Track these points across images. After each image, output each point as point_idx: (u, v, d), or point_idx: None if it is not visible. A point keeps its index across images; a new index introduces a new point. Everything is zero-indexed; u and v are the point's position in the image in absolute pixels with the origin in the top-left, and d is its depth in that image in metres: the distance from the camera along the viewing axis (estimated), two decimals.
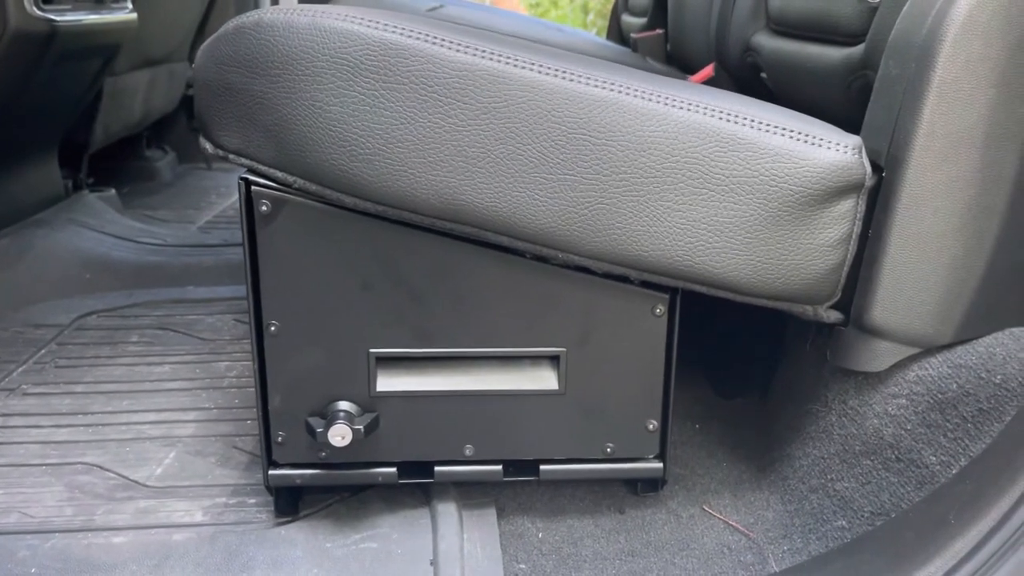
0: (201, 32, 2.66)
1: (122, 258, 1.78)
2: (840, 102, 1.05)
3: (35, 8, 1.52)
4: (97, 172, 2.31)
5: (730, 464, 1.08)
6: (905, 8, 0.84)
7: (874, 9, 0.94)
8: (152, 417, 1.22)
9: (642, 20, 2.36)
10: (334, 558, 0.92)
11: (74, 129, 2.03)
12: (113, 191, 2.14)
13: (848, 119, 0.97)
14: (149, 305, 1.65)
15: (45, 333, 1.51)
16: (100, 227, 1.87)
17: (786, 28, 1.23)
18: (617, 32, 2.81)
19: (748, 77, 1.40)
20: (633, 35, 2.14)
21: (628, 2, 2.66)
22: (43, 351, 1.44)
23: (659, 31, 2.07)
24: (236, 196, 2.54)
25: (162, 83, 2.44)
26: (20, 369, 1.37)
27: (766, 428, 1.09)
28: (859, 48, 0.97)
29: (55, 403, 1.26)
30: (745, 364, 1.23)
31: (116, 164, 2.55)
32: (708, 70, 1.51)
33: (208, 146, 0.89)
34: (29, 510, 1.01)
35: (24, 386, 1.32)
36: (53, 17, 1.57)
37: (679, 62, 1.96)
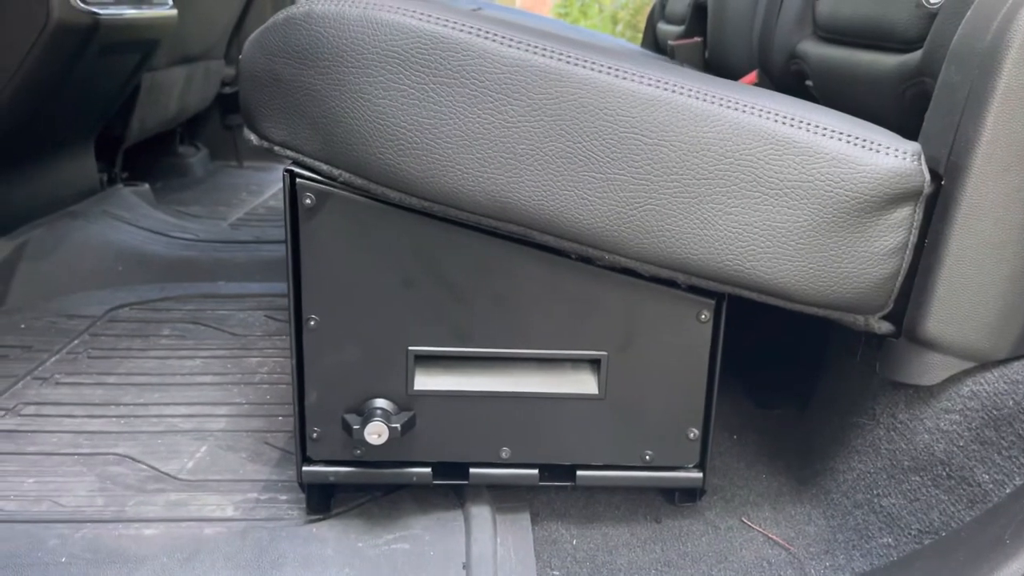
0: (238, 30, 2.67)
1: (154, 252, 1.79)
2: (891, 109, 1.03)
3: (79, 1, 1.53)
4: (131, 167, 2.32)
5: (769, 476, 1.06)
6: (968, 14, 0.82)
7: (933, 15, 0.92)
8: (183, 410, 1.22)
9: (679, 28, 2.35)
10: (365, 558, 0.91)
11: (111, 123, 2.04)
12: (147, 186, 2.15)
13: (899, 127, 0.95)
14: (181, 299, 1.65)
15: (78, 324, 1.51)
16: (133, 221, 1.88)
17: (835, 35, 1.21)
18: (652, 40, 2.79)
19: (792, 85, 1.38)
20: (671, 42, 2.13)
21: (664, 10, 2.64)
22: (76, 341, 1.44)
23: (697, 39, 2.05)
24: (267, 195, 2.54)
25: (198, 80, 2.45)
26: (53, 359, 1.37)
27: (806, 440, 1.07)
28: (915, 55, 0.95)
29: (87, 393, 1.26)
30: (783, 374, 1.21)
31: (149, 160, 2.56)
32: (751, 77, 1.49)
33: (253, 137, 0.88)
34: (60, 499, 1.00)
35: (57, 375, 1.32)
36: (96, 10, 1.58)
37: (717, 70, 1.94)
